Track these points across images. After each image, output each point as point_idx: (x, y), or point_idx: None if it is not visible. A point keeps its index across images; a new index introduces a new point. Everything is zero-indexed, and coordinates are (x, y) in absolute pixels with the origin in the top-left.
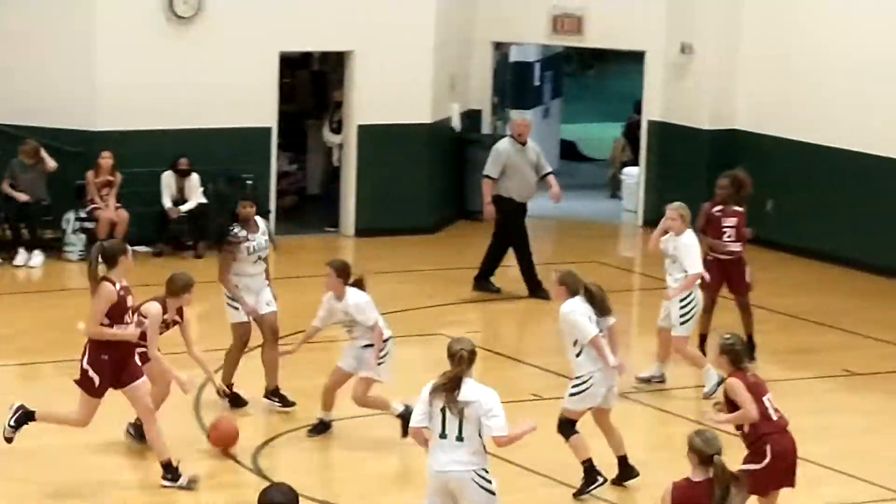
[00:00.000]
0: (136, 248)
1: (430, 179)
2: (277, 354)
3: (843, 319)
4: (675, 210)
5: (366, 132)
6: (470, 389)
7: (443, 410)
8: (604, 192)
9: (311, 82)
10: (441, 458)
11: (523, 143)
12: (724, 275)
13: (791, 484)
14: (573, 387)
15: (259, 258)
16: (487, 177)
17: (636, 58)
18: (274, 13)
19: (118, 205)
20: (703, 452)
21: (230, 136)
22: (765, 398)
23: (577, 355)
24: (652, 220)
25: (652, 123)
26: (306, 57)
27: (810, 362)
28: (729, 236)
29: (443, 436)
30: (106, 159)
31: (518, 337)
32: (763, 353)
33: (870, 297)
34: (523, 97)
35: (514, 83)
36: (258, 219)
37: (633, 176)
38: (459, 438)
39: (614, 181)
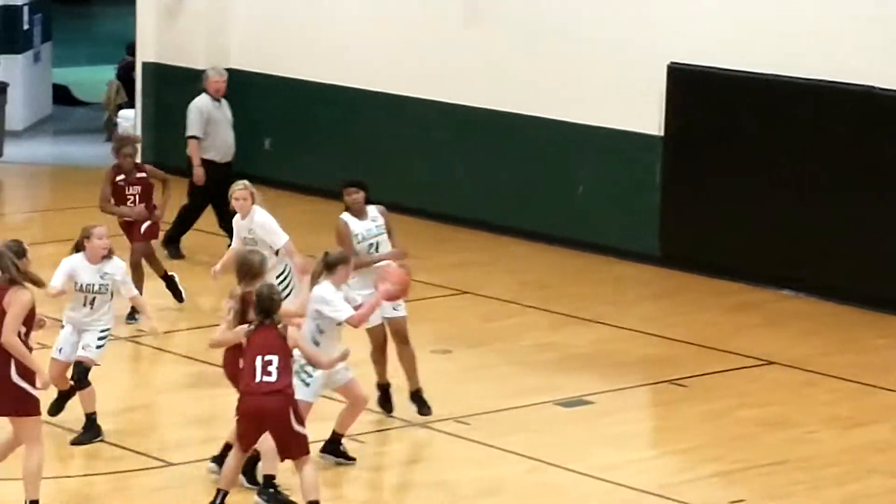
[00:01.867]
0: None
1: None
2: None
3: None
4: (245, 189)
5: None
6: None
7: None
8: (100, 136)
9: None
10: None
11: (219, 100)
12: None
13: None
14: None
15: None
16: (193, 137)
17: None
18: None
19: None
20: None
21: None
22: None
23: None
24: (150, 162)
25: (146, 65)
26: None
27: None
28: (133, 202)
29: None
30: None
31: None
32: None
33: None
34: (13, 41)
35: (3, 27)
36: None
37: (130, 119)
38: None
39: (109, 124)
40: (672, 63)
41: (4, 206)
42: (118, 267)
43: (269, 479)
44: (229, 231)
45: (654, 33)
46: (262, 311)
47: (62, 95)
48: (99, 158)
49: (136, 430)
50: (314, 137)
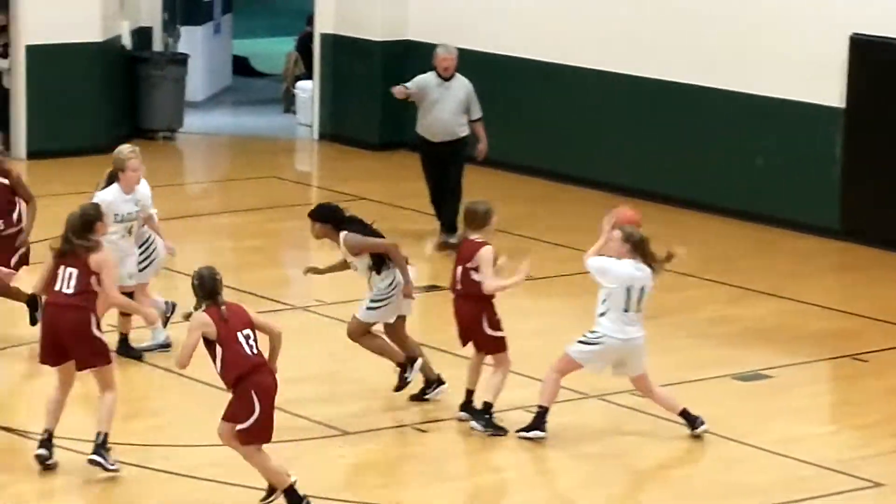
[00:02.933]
0: None
1: (102, 99)
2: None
3: (518, 225)
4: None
5: (34, 53)
6: None
7: None
8: (278, 107)
9: None
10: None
11: (447, 79)
12: None
13: None
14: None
15: None
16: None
17: None
18: None
19: None
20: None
21: None
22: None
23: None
24: (327, 134)
25: (324, 36)
26: None
27: None
28: None
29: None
30: None
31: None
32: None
33: (542, 203)
34: (194, 13)
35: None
36: None
37: (307, 90)
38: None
39: (288, 96)
40: (854, 34)
41: (184, 176)
42: (145, 187)
43: (487, 406)
44: (438, 209)
45: (835, 4)
46: None
47: (242, 66)
48: (277, 129)
49: (315, 399)
50: (493, 110)
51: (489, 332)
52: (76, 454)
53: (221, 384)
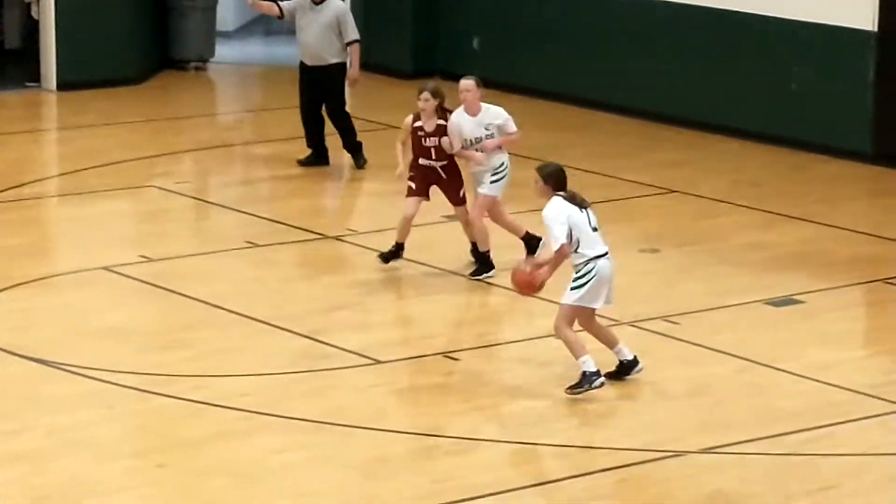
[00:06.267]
0: None
1: (132, 29)
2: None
3: (548, 153)
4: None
5: None
6: None
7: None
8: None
9: None
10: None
11: (317, 2)
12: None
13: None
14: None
15: None
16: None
17: None
18: None
19: None
20: None
21: None
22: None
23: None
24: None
25: None
26: None
27: (519, 197)
28: None
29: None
30: None
31: (228, 187)
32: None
33: (572, 129)
34: None
35: None
36: None
37: None
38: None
39: None
40: None
41: (216, 107)
42: (499, 114)
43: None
44: (307, 132)
45: None
46: None
47: None
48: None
49: (347, 328)
50: (523, 36)
51: None
52: (110, 385)
53: (258, 316)
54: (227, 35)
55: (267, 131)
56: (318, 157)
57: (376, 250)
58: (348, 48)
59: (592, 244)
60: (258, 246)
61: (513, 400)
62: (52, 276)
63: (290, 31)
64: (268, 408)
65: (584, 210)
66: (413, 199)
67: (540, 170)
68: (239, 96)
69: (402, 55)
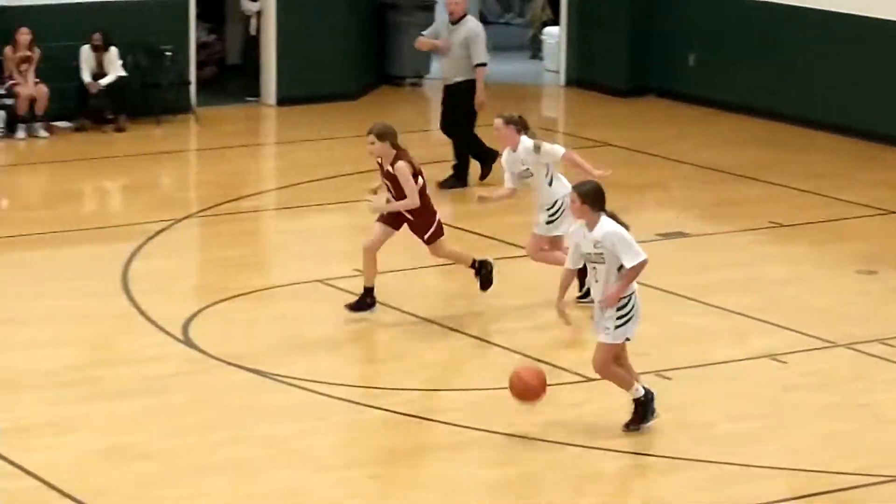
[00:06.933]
0: (57, 123)
1: (350, 45)
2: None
3: (765, 172)
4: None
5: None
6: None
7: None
8: (525, 52)
9: None
10: None
11: (454, 22)
12: None
13: None
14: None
15: None
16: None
17: None
18: None
19: (37, 80)
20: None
21: (148, 8)
22: None
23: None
24: (574, 79)
25: None
26: None
27: (735, 215)
28: None
29: None
30: (24, 35)
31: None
32: (689, 208)
33: (789, 148)
34: None
35: None
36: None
37: (555, 36)
38: None
39: (535, 42)
40: None
41: (431, 123)
42: (528, 149)
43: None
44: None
45: None
46: None
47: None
48: (524, 75)
49: (558, 345)
50: (739, 53)
51: None
52: (324, 396)
53: (470, 331)
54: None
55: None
56: (460, 177)
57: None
58: (475, 70)
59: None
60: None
61: (724, 420)
62: (269, 287)
63: (502, 47)
64: (478, 423)
65: None
66: (378, 225)
67: (578, 188)
68: None
69: (617, 73)
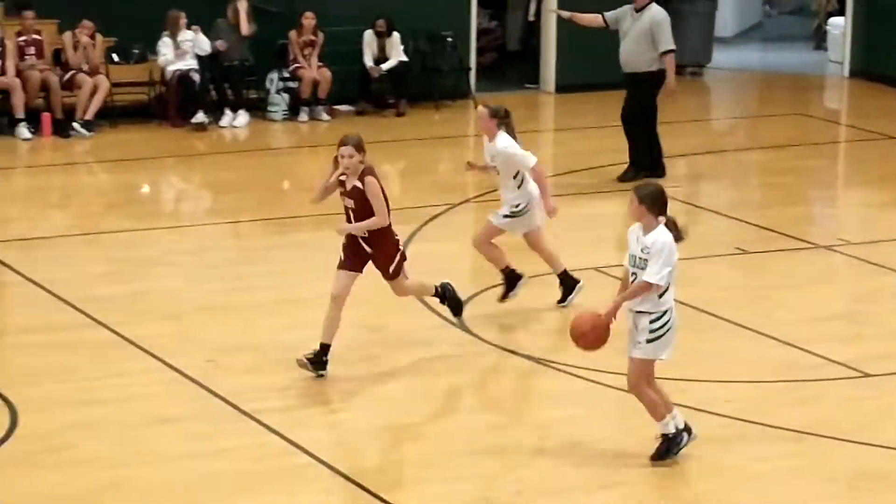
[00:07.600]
0: (339, 106)
1: None
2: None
3: None
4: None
5: None
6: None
7: None
8: (808, 43)
9: None
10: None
11: (638, 9)
12: None
13: None
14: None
15: None
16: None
17: None
18: None
19: (320, 64)
20: None
21: None
22: None
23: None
24: (859, 71)
25: None
26: None
27: None
28: None
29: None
30: (309, 19)
31: (719, 192)
32: None
33: None
34: None
35: None
36: None
37: (839, 27)
38: None
39: (819, 32)
40: None
41: (711, 111)
42: (498, 146)
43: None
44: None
45: None
46: None
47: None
48: (807, 66)
49: (835, 339)
50: None
51: None
52: (593, 384)
53: (743, 322)
54: (724, 41)
55: (760, 138)
56: (637, 170)
57: (869, 262)
58: (663, 58)
59: (673, 290)
60: (748, 253)
61: None
62: (541, 274)
63: (785, 37)
64: (750, 415)
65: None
66: (342, 273)
67: (638, 189)
68: (734, 102)
69: None
